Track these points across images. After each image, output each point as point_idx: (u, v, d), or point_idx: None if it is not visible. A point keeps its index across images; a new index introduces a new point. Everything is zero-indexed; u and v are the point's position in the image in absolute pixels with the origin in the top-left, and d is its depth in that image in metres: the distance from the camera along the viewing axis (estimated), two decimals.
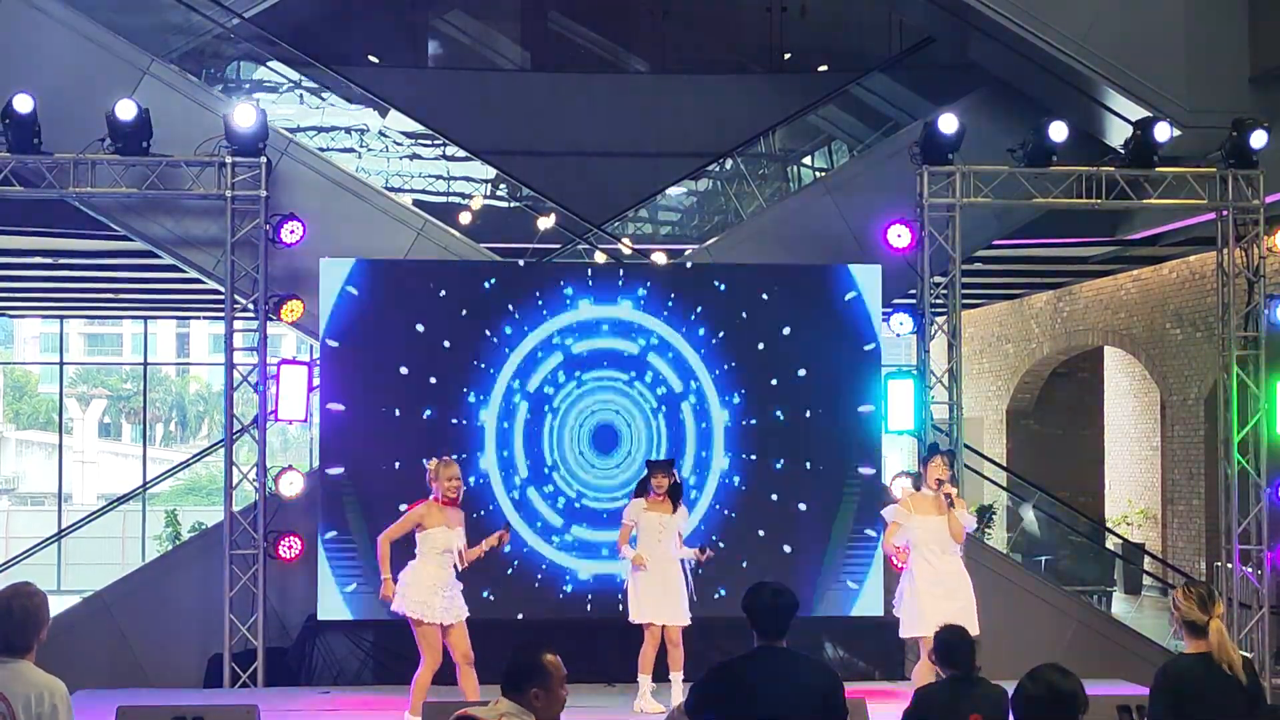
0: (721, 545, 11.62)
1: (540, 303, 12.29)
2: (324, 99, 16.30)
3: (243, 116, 11.86)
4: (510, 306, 12.26)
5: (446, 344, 12.20)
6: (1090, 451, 21.53)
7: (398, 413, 12.09)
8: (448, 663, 9.83)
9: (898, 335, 13.08)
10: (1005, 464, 19.82)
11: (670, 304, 12.39)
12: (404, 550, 9.97)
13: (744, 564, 12.01)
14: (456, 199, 16.61)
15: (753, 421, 12.39)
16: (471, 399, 12.16)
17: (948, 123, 12.42)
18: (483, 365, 12.19)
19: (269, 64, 16.01)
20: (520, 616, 12.01)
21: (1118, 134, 13.09)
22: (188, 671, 12.03)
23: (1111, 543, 18.94)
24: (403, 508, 10.20)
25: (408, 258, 12.59)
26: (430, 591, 9.75)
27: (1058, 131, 12.40)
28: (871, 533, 12.19)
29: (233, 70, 16.22)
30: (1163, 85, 12.79)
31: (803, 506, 12.35)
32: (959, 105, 13.29)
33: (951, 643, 6.45)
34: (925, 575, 10.11)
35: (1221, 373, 13.02)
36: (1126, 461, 20.94)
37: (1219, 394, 13.07)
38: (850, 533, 12.35)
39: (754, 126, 16.59)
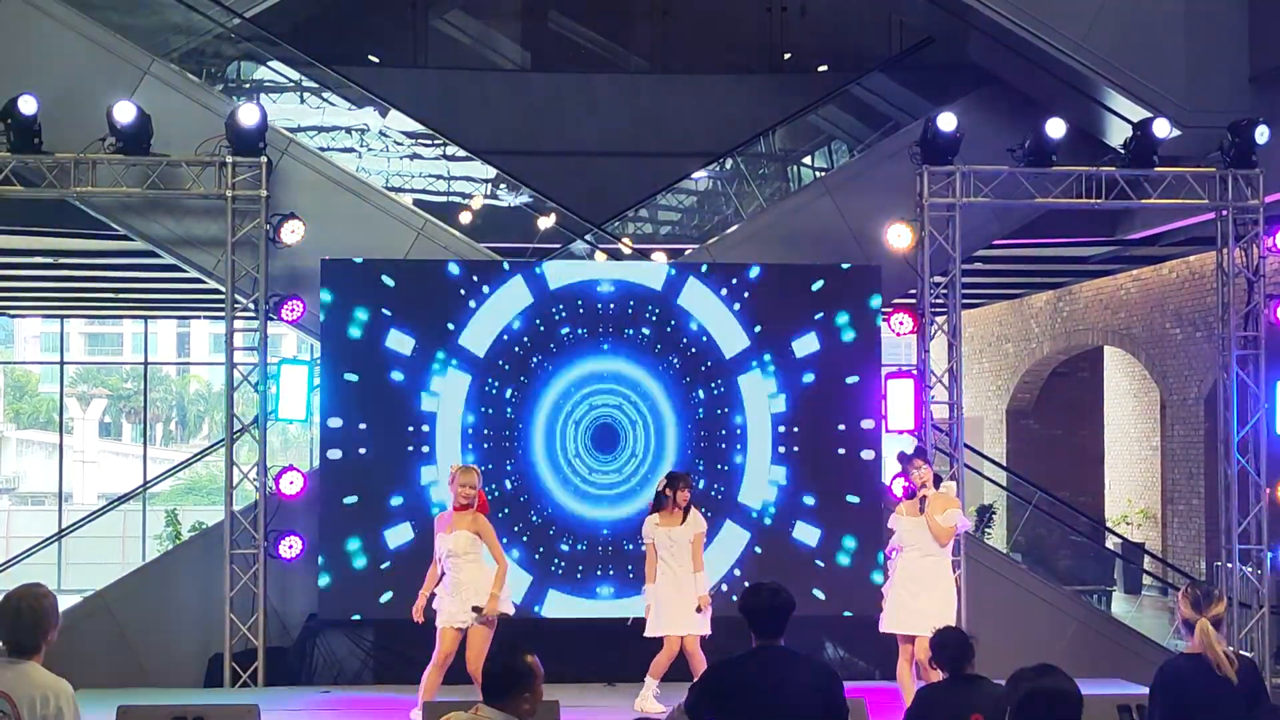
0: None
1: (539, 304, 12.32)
2: (324, 99, 16.30)
3: (248, 115, 11.87)
4: (512, 308, 12.28)
5: (440, 345, 12.20)
6: (1090, 451, 21.54)
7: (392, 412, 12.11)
8: (461, 663, 9.88)
9: (897, 335, 13.07)
10: (1005, 464, 19.82)
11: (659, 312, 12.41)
12: None
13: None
14: (456, 199, 16.61)
15: (749, 422, 12.40)
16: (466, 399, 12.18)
17: (947, 122, 12.43)
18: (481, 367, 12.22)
19: (269, 64, 16.01)
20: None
21: (1118, 134, 13.10)
22: (188, 671, 12.03)
23: (1111, 542, 18.95)
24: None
25: (408, 258, 12.60)
26: (441, 597, 9.94)
27: (1055, 128, 12.41)
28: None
29: (233, 70, 16.21)
30: (1163, 85, 12.80)
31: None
32: (959, 105, 13.29)
33: (945, 644, 6.47)
34: (901, 574, 10.33)
35: (1221, 372, 13.03)
36: (1126, 461, 20.95)
37: (1219, 394, 13.07)
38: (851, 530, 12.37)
39: (754, 126, 16.60)
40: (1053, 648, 11.73)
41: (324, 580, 11.99)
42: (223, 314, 12.46)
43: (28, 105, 11.53)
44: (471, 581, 9.81)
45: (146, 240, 12.77)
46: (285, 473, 12.11)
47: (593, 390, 12.29)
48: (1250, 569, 12.70)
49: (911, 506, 10.37)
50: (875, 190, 13.17)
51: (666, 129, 17.21)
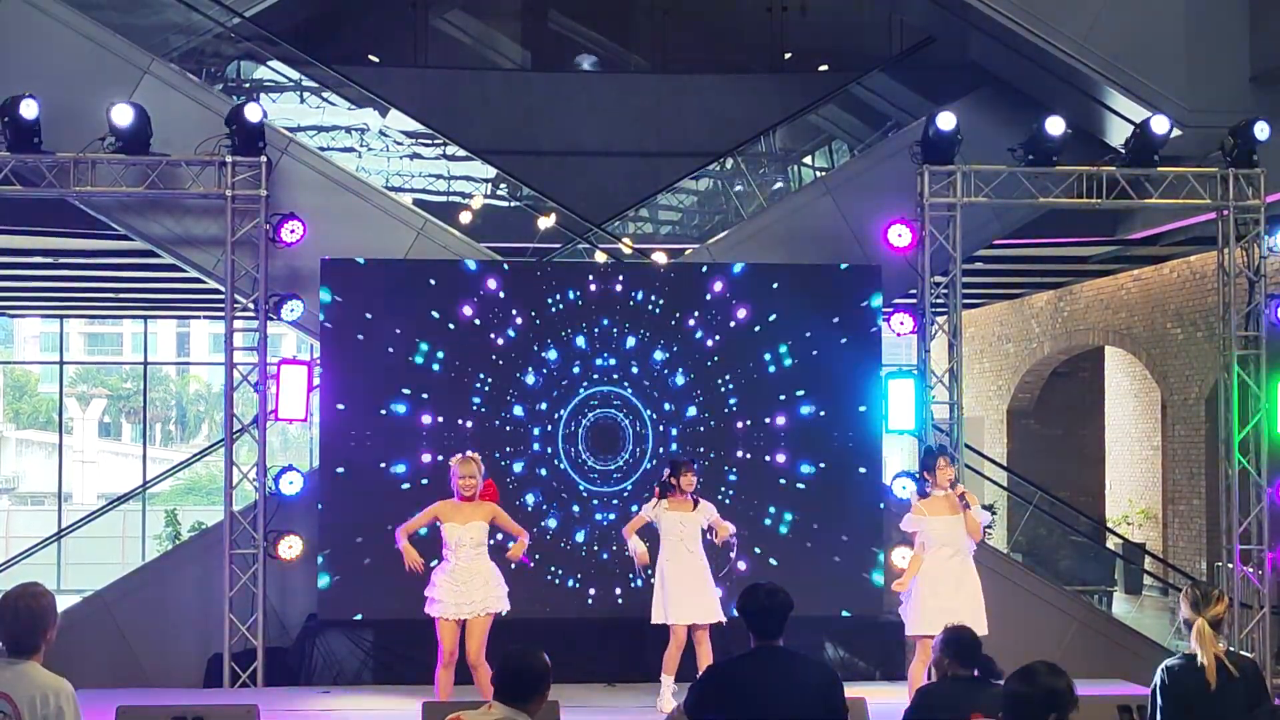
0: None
1: (538, 304, 12.31)
2: (324, 99, 16.30)
3: (252, 111, 11.88)
4: (511, 309, 12.27)
5: (440, 344, 12.20)
6: (1091, 451, 21.53)
7: (394, 412, 12.10)
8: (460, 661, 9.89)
9: (898, 335, 13.07)
10: (1005, 464, 19.81)
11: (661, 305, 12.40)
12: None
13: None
14: (456, 199, 16.61)
15: (748, 422, 12.40)
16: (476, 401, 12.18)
17: (947, 122, 12.43)
18: (481, 370, 12.20)
19: (269, 63, 16.01)
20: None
21: (1118, 133, 13.09)
22: (188, 671, 12.02)
23: (1112, 543, 18.95)
24: None
25: (408, 258, 12.59)
26: (442, 588, 9.89)
27: (1054, 125, 12.40)
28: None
29: (233, 70, 16.21)
30: (1163, 85, 12.80)
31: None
32: (959, 105, 13.28)
33: (962, 641, 6.43)
34: (933, 575, 10.14)
35: (1222, 372, 13.02)
36: (1127, 461, 20.94)
37: (1219, 394, 13.06)
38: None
39: (754, 126, 16.59)
40: (1053, 648, 11.72)
41: (324, 580, 11.99)
42: (222, 314, 12.44)
43: (31, 110, 11.52)
44: (481, 574, 9.81)
45: (146, 240, 12.76)
46: (285, 473, 12.11)
47: (593, 390, 12.28)
48: (1251, 569, 12.69)
49: (935, 505, 10.27)
50: (875, 190, 13.16)
51: (666, 129, 17.20)
